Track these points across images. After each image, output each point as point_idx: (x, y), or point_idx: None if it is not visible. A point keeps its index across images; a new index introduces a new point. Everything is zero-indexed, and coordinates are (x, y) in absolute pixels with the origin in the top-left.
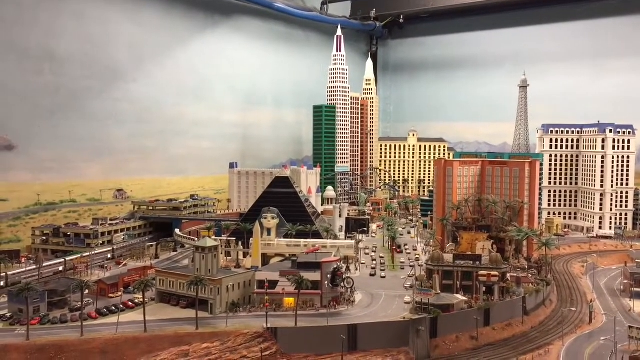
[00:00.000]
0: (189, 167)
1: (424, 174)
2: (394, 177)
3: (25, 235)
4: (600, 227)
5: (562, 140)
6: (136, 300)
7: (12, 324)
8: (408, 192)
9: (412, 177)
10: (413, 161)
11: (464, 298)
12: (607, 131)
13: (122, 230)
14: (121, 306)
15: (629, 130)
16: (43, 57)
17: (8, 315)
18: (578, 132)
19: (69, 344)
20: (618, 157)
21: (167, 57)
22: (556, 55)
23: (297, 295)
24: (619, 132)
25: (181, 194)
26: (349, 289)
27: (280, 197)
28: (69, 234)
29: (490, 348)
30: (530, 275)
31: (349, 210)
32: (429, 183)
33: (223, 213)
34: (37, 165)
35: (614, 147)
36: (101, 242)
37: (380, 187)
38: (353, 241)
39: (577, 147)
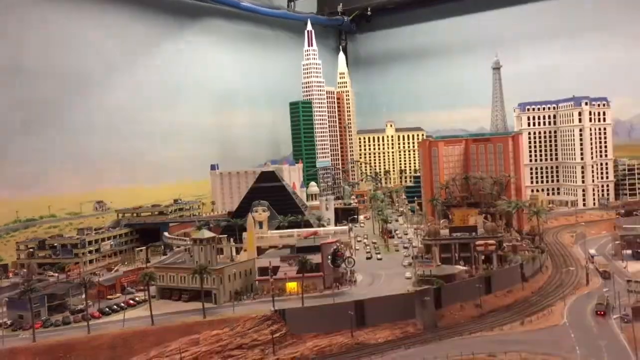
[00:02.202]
0: (167, 173)
1: (405, 163)
2: (375, 169)
3: (6, 253)
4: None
5: (539, 117)
6: (137, 299)
7: (14, 330)
8: (390, 183)
9: (393, 167)
10: (393, 152)
11: (465, 267)
12: (583, 104)
13: (108, 239)
14: (122, 304)
15: (604, 102)
16: (12, 72)
17: (8, 322)
18: (554, 108)
19: (78, 342)
20: (595, 129)
21: (138, 65)
22: (527, 35)
23: (301, 278)
24: (594, 105)
25: (162, 202)
26: (349, 270)
27: (268, 191)
28: (55, 245)
29: (495, 314)
30: (524, 244)
31: (335, 204)
32: (410, 172)
33: (209, 215)
34: (13, 181)
35: (590, 120)
36: (88, 250)
37: (362, 180)
38: (347, 227)
39: (555, 123)
